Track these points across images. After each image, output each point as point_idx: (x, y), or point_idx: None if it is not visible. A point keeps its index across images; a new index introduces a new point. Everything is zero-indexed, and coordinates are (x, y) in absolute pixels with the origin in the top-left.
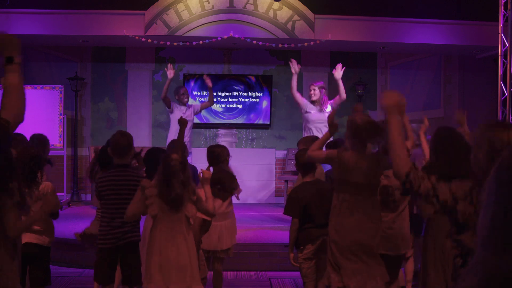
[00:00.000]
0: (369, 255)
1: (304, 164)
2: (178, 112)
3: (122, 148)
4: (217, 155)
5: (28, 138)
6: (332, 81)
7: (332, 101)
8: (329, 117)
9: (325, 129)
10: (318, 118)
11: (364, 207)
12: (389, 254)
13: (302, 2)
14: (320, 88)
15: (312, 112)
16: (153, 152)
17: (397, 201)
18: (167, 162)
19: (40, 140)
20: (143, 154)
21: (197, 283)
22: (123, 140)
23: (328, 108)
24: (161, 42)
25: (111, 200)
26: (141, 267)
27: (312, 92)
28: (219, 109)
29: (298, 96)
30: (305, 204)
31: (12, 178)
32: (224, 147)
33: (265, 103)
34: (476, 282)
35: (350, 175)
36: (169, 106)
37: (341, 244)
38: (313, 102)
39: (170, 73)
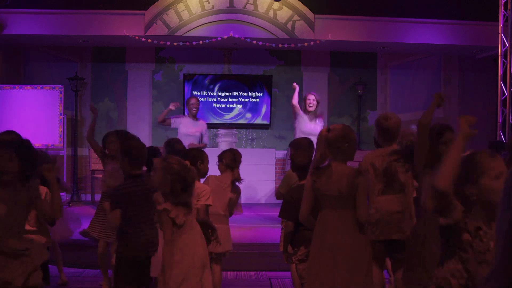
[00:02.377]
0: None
1: (301, 167)
2: (183, 127)
3: (143, 160)
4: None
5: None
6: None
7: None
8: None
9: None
10: (309, 128)
11: (347, 222)
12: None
13: (302, 2)
14: (317, 100)
15: (305, 121)
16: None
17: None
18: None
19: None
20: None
21: (207, 268)
22: (144, 151)
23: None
24: (161, 42)
25: (132, 211)
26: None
27: (308, 102)
28: (219, 109)
29: (297, 107)
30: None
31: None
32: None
33: (265, 103)
34: None
35: (329, 188)
36: (170, 125)
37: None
38: (308, 112)
39: (173, 105)
